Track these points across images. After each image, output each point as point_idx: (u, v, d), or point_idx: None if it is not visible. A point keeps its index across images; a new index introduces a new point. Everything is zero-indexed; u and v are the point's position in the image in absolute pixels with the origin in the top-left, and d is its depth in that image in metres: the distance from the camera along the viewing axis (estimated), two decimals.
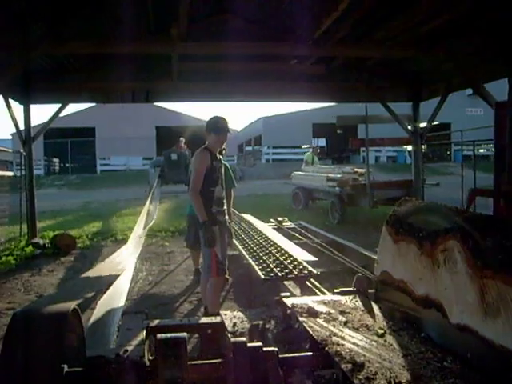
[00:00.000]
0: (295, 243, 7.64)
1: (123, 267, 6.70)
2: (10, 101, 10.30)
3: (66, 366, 2.52)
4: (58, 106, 10.96)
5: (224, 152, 5.42)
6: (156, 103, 28.65)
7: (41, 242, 10.39)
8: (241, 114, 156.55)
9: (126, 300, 6.19)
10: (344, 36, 7.97)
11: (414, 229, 2.97)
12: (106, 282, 5.74)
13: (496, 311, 2.25)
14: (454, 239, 2.52)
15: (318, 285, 5.27)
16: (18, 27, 7.48)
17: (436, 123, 13.07)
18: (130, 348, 3.41)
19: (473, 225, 2.50)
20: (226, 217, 5.28)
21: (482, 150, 31.00)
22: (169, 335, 2.69)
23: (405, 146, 30.10)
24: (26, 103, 10.90)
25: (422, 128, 11.95)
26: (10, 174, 13.00)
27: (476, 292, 2.35)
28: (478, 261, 2.34)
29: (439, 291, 2.71)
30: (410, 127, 11.95)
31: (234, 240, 5.96)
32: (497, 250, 2.29)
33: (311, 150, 19.16)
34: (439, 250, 2.68)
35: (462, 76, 9.67)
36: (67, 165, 37.84)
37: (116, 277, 5.96)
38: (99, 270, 6.23)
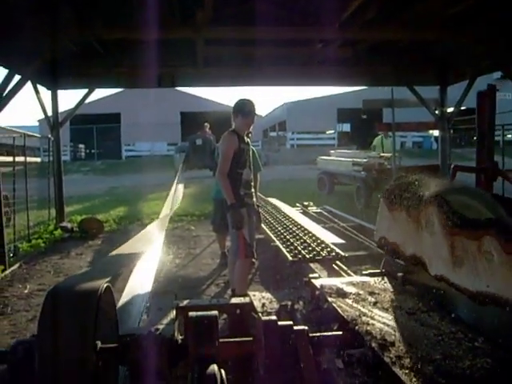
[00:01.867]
0: (321, 227, 7.64)
1: (150, 246, 6.74)
2: (38, 86, 10.42)
3: (99, 342, 2.56)
4: (85, 91, 11.08)
5: (250, 135, 5.42)
6: (180, 89, 28.77)
7: (69, 225, 10.55)
8: (265, 100, 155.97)
9: (154, 282, 6.27)
10: (371, 18, 7.84)
11: (404, 199, 3.42)
12: (135, 260, 5.79)
13: (461, 262, 2.69)
14: (433, 205, 2.96)
15: (344, 268, 5.26)
16: (46, 12, 7.52)
17: (463, 108, 12.85)
18: (160, 327, 3.46)
19: (447, 192, 2.99)
20: (254, 199, 5.29)
21: (509, 136, 30.43)
22: (200, 313, 2.72)
23: (431, 132, 29.76)
24: (54, 89, 11.00)
25: (449, 112, 11.78)
26: (38, 159, 13.22)
27: (448, 247, 2.80)
28: (449, 222, 2.77)
29: (422, 249, 3.17)
30: (437, 112, 11.79)
31: (261, 224, 5.97)
32: (462, 212, 2.77)
33: (382, 133, 15.84)
34: (422, 215, 3.13)
35: (491, 59, 9.48)
36: (93, 151, 38.15)
37: (143, 255, 6.00)
38: (127, 247, 6.27)
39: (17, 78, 7.99)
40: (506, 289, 2.35)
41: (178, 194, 11.78)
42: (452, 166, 4.71)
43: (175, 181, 12.59)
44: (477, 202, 2.79)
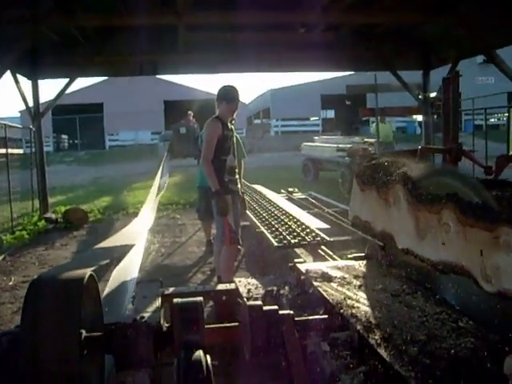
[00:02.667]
0: (307, 213, 7.64)
1: (136, 237, 6.73)
2: (18, 76, 10.29)
3: (84, 331, 2.55)
4: (66, 81, 10.95)
5: (234, 122, 5.39)
6: (163, 77, 28.58)
7: (53, 216, 10.47)
8: (249, 87, 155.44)
9: (140, 271, 6.24)
10: (353, 2, 7.82)
11: (374, 179, 3.61)
12: (121, 252, 5.77)
13: (424, 234, 2.90)
14: (399, 184, 3.17)
15: (330, 252, 5.27)
16: (26, 0, 7.43)
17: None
18: (146, 315, 3.45)
19: (412, 172, 3.18)
20: (239, 186, 5.28)
21: (492, 120, 30.60)
22: (185, 299, 2.72)
23: (414, 116, 29.85)
24: (34, 78, 10.86)
25: (432, 97, 11.80)
26: (20, 151, 13.06)
27: (412, 222, 3.01)
28: (413, 197, 2.99)
29: (390, 225, 3.37)
30: (420, 96, 11.82)
31: (246, 211, 5.96)
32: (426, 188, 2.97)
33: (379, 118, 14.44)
34: (390, 193, 3.33)
35: (474, 42, 9.50)
36: (76, 141, 37.81)
37: (130, 247, 5.98)
38: (113, 240, 6.26)
39: None
40: (462, 257, 2.54)
41: (161, 185, 11.72)
42: (419, 148, 4.90)
43: (159, 172, 12.52)
44: (461, 184, 2.81)
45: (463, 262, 2.53)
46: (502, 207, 2.43)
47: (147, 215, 8.37)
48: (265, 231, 5.96)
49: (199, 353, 2.44)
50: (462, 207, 2.52)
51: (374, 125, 15.00)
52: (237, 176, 5.25)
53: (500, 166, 5.40)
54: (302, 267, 3.68)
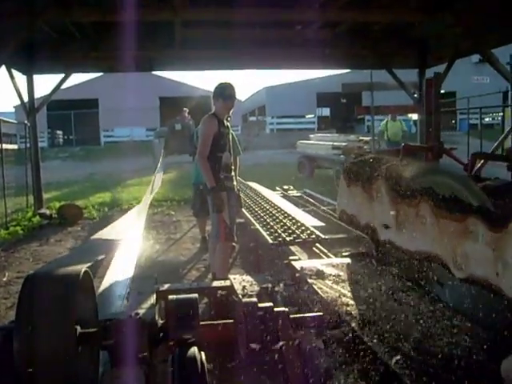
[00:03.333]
0: (302, 210, 7.64)
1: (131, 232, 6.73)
2: (13, 71, 10.24)
3: (78, 327, 2.55)
4: (61, 76, 10.90)
5: (230, 119, 5.40)
6: (159, 73, 28.52)
7: (47, 212, 10.44)
8: (244, 84, 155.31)
9: (135, 267, 6.24)
10: (350, 0, 7.83)
11: (360, 175, 3.83)
12: (114, 246, 5.77)
13: (403, 226, 3.13)
14: (382, 179, 3.39)
15: (325, 250, 5.27)
16: None
17: (441, 91, 12.89)
18: (140, 311, 3.45)
19: (394, 169, 3.38)
20: (235, 183, 5.28)
21: (487, 119, 30.64)
22: (180, 296, 2.72)
23: (410, 115, 29.88)
24: (29, 73, 10.81)
25: None
26: (15, 146, 13.04)
27: (394, 215, 3.23)
28: (393, 192, 3.22)
29: (374, 218, 3.60)
30: (415, 95, 11.83)
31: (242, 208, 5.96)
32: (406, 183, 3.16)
33: (388, 117, 14.92)
34: (373, 188, 3.55)
35: (470, 41, 9.51)
36: (71, 137, 37.69)
37: (123, 241, 5.98)
38: (107, 233, 6.26)
39: None
40: (436, 246, 2.77)
41: (156, 182, 11.70)
42: (402, 145, 5.08)
43: (156, 169, 12.53)
44: (455, 182, 2.83)
45: (437, 251, 2.76)
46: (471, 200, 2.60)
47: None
48: (260, 228, 5.94)
49: (194, 349, 2.44)
50: (436, 201, 2.74)
51: (383, 122, 15.01)
52: (232, 173, 5.25)
53: (473, 162, 5.55)
54: (297, 265, 3.69)
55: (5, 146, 9.74)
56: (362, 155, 4.36)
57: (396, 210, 3.20)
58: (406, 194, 3.07)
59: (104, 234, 7.40)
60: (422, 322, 2.61)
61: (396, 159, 3.70)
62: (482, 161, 6.03)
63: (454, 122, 36.77)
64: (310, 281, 3.31)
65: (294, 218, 6.22)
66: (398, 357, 2.26)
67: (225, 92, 5.13)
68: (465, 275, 2.50)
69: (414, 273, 3.23)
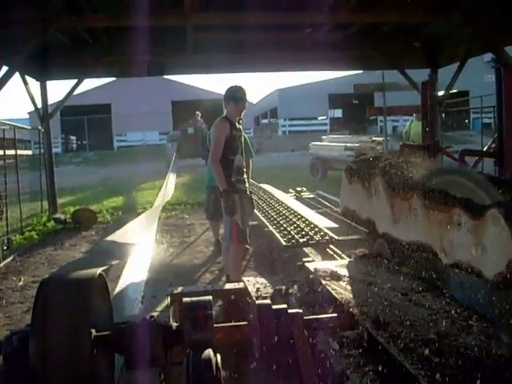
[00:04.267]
0: (315, 212, 7.63)
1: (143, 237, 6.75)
2: (27, 78, 10.34)
3: (94, 330, 2.56)
4: (74, 82, 10.99)
5: (242, 122, 5.41)
6: (171, 77, 28.65)
7: (62, 217, 10.51)
8: (256, 87, 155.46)
9: (148, 271, 6.27)
10: (359, 1, 7.81)
11: (359, 173, 4.09)
12: (129, 250, 5.79)
13: (398, 219, 3.38)
14: (379, 176, 3.66)
15: (338, 252, 5.26)
16: (36, 2, 7.46)
17: (454, 91, 12.79)
18: (155, 314, 3.46)
19: (392, 167, 3.65)
20: (247, 185, 5.29)
21: None
22: (194, 298, 2.72)
23: None
24: (43, 80, 10.91)
25: (440, 95, 11.75)
26: (29, 152, 13.13)
27: (389, 209, 3.50)
28: (390, 189, 3.47)
29: (373, 213, 3.85)
30: None
31: (254, 210, 5.96)
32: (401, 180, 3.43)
33: (414, 116, 13.74)
34: (372, 184, 3.79)
35: (482, 40, 9.44)
36: (84, 142, 37.94)
37: (136, 245, 6.00)
38: (120, 237, 6.27)
39: (4, 69, 7.90)
40: (427, 237, 3.01)
41: (169, 187, 11.73)
42: (400, 144, 5.28)
43: (168, 172, 12.56)
44: (470, 182, 2.85)
45: (428, 241, 3.01)
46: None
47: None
48: (273, 230, 5.95)
49: (208, 352, 2.44)
50: (426, 194, 3.00)
51: (408, 123, 14.59)
52: (245, 176, 5.25)
53: (462, 158, 5.58)
54: (311, 266, 3.68)
55: (19, 152, 9.81)
56: (363, 154, 4.66)
57: (392, 204, 3.46)
58: (400, 189, 3.34)
59: (117, 237, 7.43)
60: (436, 322, 2.60)
61: (394, 158, 3.90)
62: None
63: (467, 121, 36.53)
64: (323, 282, 3.30)
65: (307, 220, 6.21)
66: (414, 358, 2.25)
67: (236, 95, 5.15)
68: (451, 261, 2.77)
69: (427, 273, 3.22)
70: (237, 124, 5.20)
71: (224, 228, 5.41)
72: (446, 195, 2.85)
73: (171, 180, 11.96)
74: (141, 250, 6.30)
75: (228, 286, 3.82)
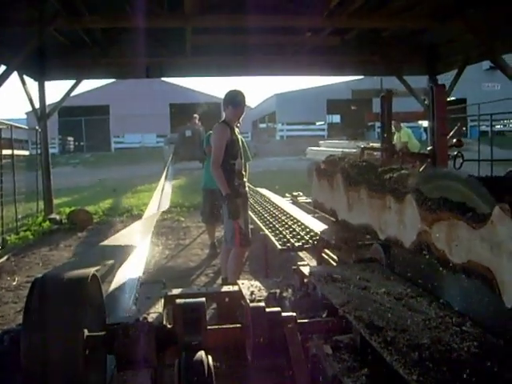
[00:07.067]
0: (311, 216, 7.61)
1: (139, 239, 6.72)
2: (25, 78, 10.33)
3: (86, 330, 2.54)
4: (72, 83, 10.99)
5: (238, 125, 5.42)
6: (169, 80, 28.67)
7: (57, 217, 10.50)
8: (255, 91, 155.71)
9: (143, 273, 6.24)
10: (359, 7, 7.83)
11: (325, 171, 5.08)
12: (124, 252, 5.77)
13: (352, 207, 4.24)
14: (339, 173, 4.48)
15: (334, 256, 5.25)
16: (34, 2, 7.46)
17: (452, 98, 12.81)
18: (148, 316, 3.44)
19: (350, 166, 4.38)
20: (247, 189, 5.32)
21: (498, 126, 30.43)
22: (188, 300, 2.71)
23: (420, 122, 29.78)
24: (41, 80, 10.92)
25: None
26: (26, 152, 13.13)
27: (346, 199, 4.34)
28: (346, 182, 4.30)
29: (335, 204, 4.75)
30: (426, 101, 11.78)
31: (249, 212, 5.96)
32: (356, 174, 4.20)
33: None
34: (334, 180, 4.68)
35: (480, 47, 9.47)
36: (82, 143, 37.91)
37: (133, 247, 5.98)
38: (116, 239, 6.26)
39: (2, 68, 7.91)
40: (369, 219, 3.84)
41: (166, 192, 11.60)
42: (361, 147, 6.42)
43: (163, 175, 12.47)
44: (461, 185, 2.83)
45: (371, 223, 3.82)
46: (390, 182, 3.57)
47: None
48: (268, 234, 5.93)
49: (201, 354, 2.43)
50: (369, 185, 3.80)
51: (396, 136, 14.33)
52: (245, 179, 5.29)
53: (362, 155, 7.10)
54: (306, 270, 3.66)
55: (16, 151, 9.81)
56: (331, 155, 5.55)
57: (348, 196, 4.29)
58: (353, 183, 4.16)
59: (113, 239, 7.40)
60: (430, 327, 2.59)
61: (354, 158, 4.76)
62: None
63: (464, 128, 36.56)
64: (318, 286, 3.29)
65: (303, 224, 6.20)
66: (408, 363, 2.24)
67: (235, 99, 5.16)
68: (385, 236, 3.58)
69: (423, 278, 3.21)
70: (235, 128, 5.22)
71: (225, 231, 5.42)
72: (381, 184, 3.64)
73: (166, 190, 11.60)
74: (136, 252, 6.27)
75: (222, 288, 3.81)
